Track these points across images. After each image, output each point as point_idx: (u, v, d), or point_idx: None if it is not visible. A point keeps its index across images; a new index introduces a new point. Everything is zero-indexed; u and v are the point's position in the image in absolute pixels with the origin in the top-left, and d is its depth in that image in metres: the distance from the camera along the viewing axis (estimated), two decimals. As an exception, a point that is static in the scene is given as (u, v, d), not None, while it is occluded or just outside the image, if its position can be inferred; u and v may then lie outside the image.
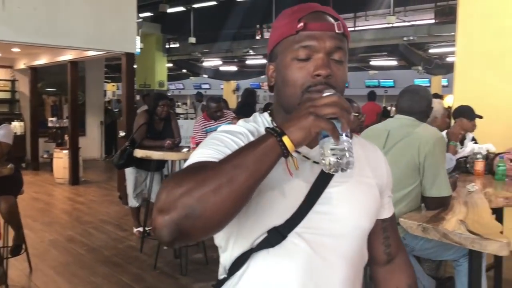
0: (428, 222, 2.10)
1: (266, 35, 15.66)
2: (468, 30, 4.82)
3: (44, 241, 4.71)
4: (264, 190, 0.91)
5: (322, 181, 0.96)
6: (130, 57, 6.39)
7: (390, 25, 11.73)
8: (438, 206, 2.28)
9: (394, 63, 16.08)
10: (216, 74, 19.16)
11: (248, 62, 16.82)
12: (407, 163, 2.26)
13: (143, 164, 4.49)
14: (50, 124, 9.55)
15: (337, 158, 0.79)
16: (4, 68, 9.70)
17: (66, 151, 7.79)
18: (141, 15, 12.16)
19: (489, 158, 3.45)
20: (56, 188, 7.58)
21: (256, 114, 1.06)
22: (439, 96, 8.69)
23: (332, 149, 0.79)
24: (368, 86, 18.89)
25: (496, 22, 4.60)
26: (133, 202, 4.79)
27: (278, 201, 0.92)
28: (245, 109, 6.13)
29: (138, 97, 12.10)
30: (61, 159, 7.84)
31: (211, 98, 5.09)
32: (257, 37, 15.76)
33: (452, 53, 5.15)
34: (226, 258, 0.99)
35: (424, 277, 2.77)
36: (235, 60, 17.02)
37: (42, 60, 8.36)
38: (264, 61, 16.21)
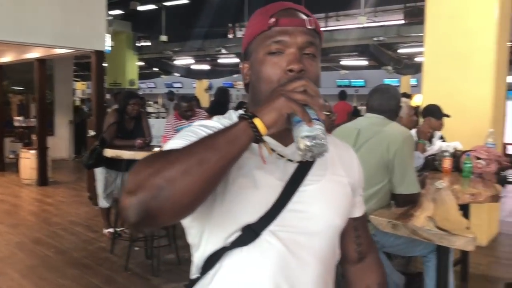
0: (398, 219, 2.14)
1: (239, 33, 15.68)
2: (435, 30, 4.93)
3: (10, 244, 4.57)
4: (237, 187, 0.91)
5: (296, 180, 0.96)
6: (100, 55, 6.27)
7: (361, 26, 11.90)
8: (407, 203, 2.33)
9: (364, 63, 16.33)
10: (188, 72, 19.04)
11: (220, 61, 16.78)
12: (377, 161, 2.29)
13: (114, 164, 4.41)
14: (16, 124, 9.31)
15: (311, 142, 0.80)
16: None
17: (33, 151, 7.59)
18: (111, 12, 11.96)
19: (456, 156, 3.53)
20: (23, 189, 7.38)
21: (231, 111, 1.06)
22: (408, 96, 8.88)
23: (305, 135, 0.80)
24: (340, 86, 19.12)
25: (462, 23, 4.71)
26: (103, 203, 4.71)
27: (252, 198, 0.92)
28: (218, 108, 6.09)
29: (108, 96, 11.93)
30: (28, 159, 7.63)
31: (182, 97, 5.05)
32: (230, 36, 15.75)
33: (421, 53, 5.25)
34: (199, 257, 0.98)
35: (394, 273, 2.81)
36: (208, 58, 16.95)
37: (7, 58, 8.13)
38: (236, 60, 16.23)
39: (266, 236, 0.92)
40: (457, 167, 3.48)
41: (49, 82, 9.47)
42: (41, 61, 7.33)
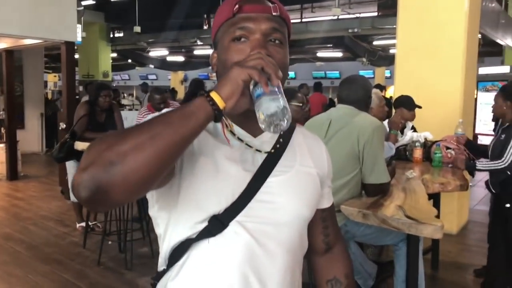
0: (368, 208, 2.16)
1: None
2: (407, 22, 4.98)
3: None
4: (204, 176, 0.90)
5: (265, 170, 0.96)
6: (70, 46, 6.12)
7: (336, 17, 11.96)
8: (378, 193, 2.35)
9: (339, 54, 16.42)
10: (163, 64, 18.83)
11: (196, 52, 16.63)
12: (347, 152, 2.31)
13: (85, 157, 4.33)
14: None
15: (271, 112, 0.79)
16: None
17: (2, 145, 7.40)
18: (83, 3, 11.67)
19: (426, 146, 3.59)
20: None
21: None
22: (382, 87, 8.97)
23: (265, 105, 0.79)
24: (316, 78, 19.17)
25: (432, 15, 4.77)
26: (75, 197, 4.62)
27: (219, 188, 0.91)
28: (192, 99, 6.03)
29: (81, 88, 11.68)
30: (-3, 154, 7.44)
31: (155, 89, 4.98)
32: (205, 27, 15.60)
33: (394, 45, 5.30)
34: (165, 248, 0.97)
35: (367, 262, 2.86)
36: (183, 50, 16.78)
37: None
38: (211, 51, 16.04)
39: (233, 227, 0.91)
40: (428, 157, 3.54)
41: (18, 74, 9.24)
42: (9, 52, 7.12)
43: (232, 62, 0.91)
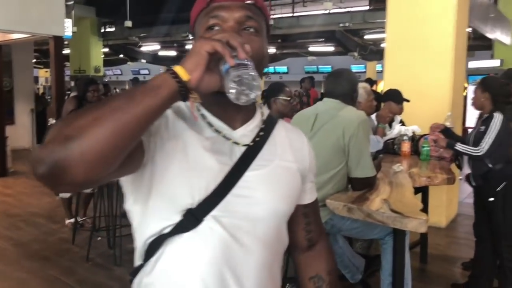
0: (353, 202, 2.16)
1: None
2: (396, 16, 4.98)
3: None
4: (178, 168, 0.88)
5: (242, 164, 0.94)
6: (59, 40, 6.07)
7: (327, 12, 11.92)
8: (364, 187, 2.35)
9: (331, 49, 16.40)
10: (154, 59, 18.69)
11: (188, 47, 16.53)
12: (333, 145, 2.30)
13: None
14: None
15: (237, 82, 0.78)
16: None
17: (-9, 141, 7.34)
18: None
19: (414, 140, 3.60)
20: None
21: None
22: (373, 82, 8.97)
23: (231, 77, 0.78)
24: (308, 72, 19.14)
25: (421, 8, 4.77)
26: (64, 193, 4.59)
27: (193, 181, 0.89)
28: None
29: (73, 83, 11.57)
30: (-14, 150, 7.37)
31: (142, 82, 4.95)
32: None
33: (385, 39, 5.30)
34: (141, 243, 0.95)
35: (354, 256, 2.86)
36: (175, 44, 16.67)
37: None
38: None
39: (208, 222, 0.89)
40: (416, 151, 3.54)
41: (8, 69, 9.15)
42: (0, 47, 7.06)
43: None
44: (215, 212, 0.90)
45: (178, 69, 0.76)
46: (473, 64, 9.55)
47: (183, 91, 0.77)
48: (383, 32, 10.54)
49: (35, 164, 0.69)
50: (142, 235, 0.94)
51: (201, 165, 0.90)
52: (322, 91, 15.39)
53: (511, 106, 3.00)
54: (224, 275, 0.91)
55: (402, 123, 4.12)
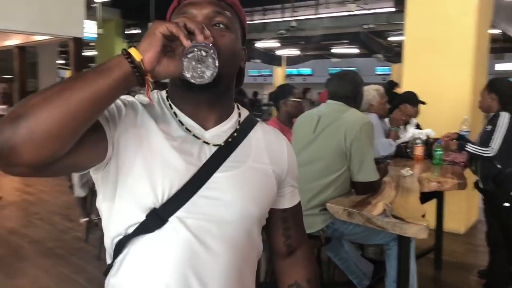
0: (355, 206, 2.11)
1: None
2: (416, 17, 4.87)
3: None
4: (143, 167, 0.87)
5: (211, 165, 0.91)
6: (78, 42, 6.18)
7: (350, 13, 11.80)
8: (367, 191, 2.30)
9: (355, 51, 16.24)
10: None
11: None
12: (335, 148, 2.26)
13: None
14: (0, 112, 9.21)
15: (191, 61, 0.78)
16: None
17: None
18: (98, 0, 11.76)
19: (428, 143, 3.50)
20: (5, 179, 7.28)
21: (155, 91, 1.01)
22: (394, 84, 8.80)
23: (186, 56, 0.78)
24: (332, 74, 19.03)
25: (441, 9, 4.66)
26: (79, 192, 4.65)
27: (156, 179, 0.87)
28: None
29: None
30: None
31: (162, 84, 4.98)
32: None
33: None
34: (108, 242, 0.94)
35: (361, 261, 2.80)
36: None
37: (-12, 45, 8.01)
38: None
39: (172, 223, 0.87)
40: (429, 155, 3.45)
41: (33, 70, 9.37)
42: (21, 48, 7.24)
43: None
44: (180, 213, 0.87)
45: (131, 50, 0.76)
46: (502, 67, 9.27)
47: (137, 73, 0.75)
48: (406, 33, 10.36)
49: None
50: (109, 234, 0.93)
51: (167, 164, 0.88)
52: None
53: None
54: (188, 279, 0.88)
55: (418, 126, 4.02)
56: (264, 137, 1.02)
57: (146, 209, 0.87)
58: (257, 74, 20.56)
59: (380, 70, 19.79)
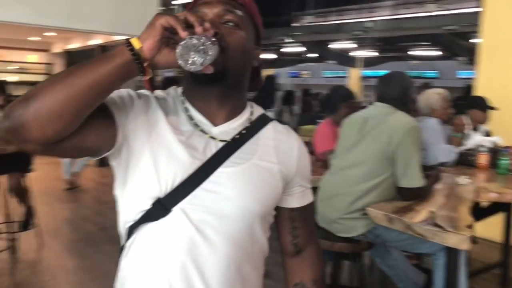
0: (396, 212, 2.04)
1: (304, 22, 15.48)
2: (494, 17, 4.58)
3: (58, 219, 4.91)
4: (152, 158, 0.92)
5: (215, 160, 0.95)
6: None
7: (431, 14, 11.31)
8: (413, 197, 2.21)
9: (436, 53, 15.51)
10: (252, 62, 19.14)
11: (284, 50, 16.70)
12: (378, 152, 2.20)
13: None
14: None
15: (184, 49, 0.82)
16: (41, 52, 10.06)
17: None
18: (177, 2, 12.23)
19: (495, 152, 3.29)
20: (86, 170, 7.80)
21: (173, 87, 1.07)
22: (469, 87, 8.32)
23: (181, 45, 0.83)
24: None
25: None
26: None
27: (161, 171, 0.92)
28: (264, 96, 6.07)
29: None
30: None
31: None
32: (294, 24, 15.62)
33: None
34: (121, 227, 1.01)
35: (411, 270, 2.70)
36: (272, 48, 16.93)
37: (75, 44, 8.64)
38: (302, 48, 16.07)
39: (175, 213, 0.92)
40: (495, 164, 3.24)
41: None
42: (104, 47, 7.70)
43: None
44: (182, 204, 0.92)
45: (133, 40, 0.82)
46: None
47: (137, 61, 0.81)
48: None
49: (2, 119, 0.79)
50: (121, 219, 1.00)
51: (172, 156, 0.92)
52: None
53: None
54: (187, 268, 0.92)
55: (487, 133, 3.79)
56: (274, 136, 1.04)
57: (152, 198, 0.92)
58: (332, 76, 20.33)
59: (463, 74, 18.78)
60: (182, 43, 0.82)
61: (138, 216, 0.94)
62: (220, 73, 0.92)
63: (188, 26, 0.84)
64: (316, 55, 17.18)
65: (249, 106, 1.06)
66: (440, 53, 15.29)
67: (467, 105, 3.77)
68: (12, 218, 3.86)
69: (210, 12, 0.95)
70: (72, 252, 3.96)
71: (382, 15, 12.77)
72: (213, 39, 0.85)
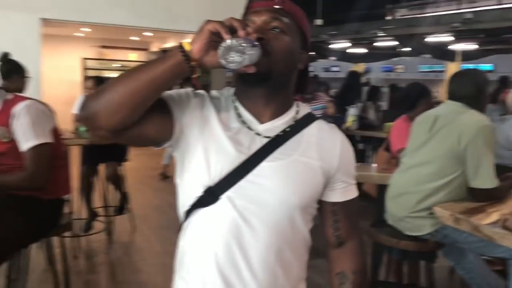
0: (465, 213, 1.98)
1: (397, 15, 14.95)
2: None
3: (149, 205, 5.31)
4: (204, 151, 1.04)
5: (260, 155, 1.05)
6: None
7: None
8: (485, 198, 2.13)
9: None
10: (344, 56, 18.85)
11: (377, 44, 16.26)
12: (448, 152, 2.14)
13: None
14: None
15: (225, 50, 0.92)
16: (141, 51, 10.81)
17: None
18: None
19: None
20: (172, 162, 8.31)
21: (227, 88, 1.19)
22: None
23: (223, 46, 0.92)
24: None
25: None
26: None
27: (211, 163, 1.03)
28: (347, 92, 6.03)
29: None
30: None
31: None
32: (388, 18, 15.14)
33: None
34: (179, 211, 1.14)
35: (489, 274, 2.58)
36: (364, 41, 16.56)
37: (170, 43, 9.18)
38: (395, 42, 15.52)
39: (223, 200, 1.03)
40: None
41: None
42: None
43: None
44: (229, 193, 1.03)
45: (184, 43, 0.94)
46: None
47: (187, 61, 0.93)
48: None
49: (80, 107, 0.98)
50: (180, 204, 1.13)
51: (221, 150, 1.04)
52: None
53: None
54: (232, 249, 1.03)
55: None
56: (317, 134, 1.11)
57: (203, 186, 1.04)
58: (428, 70, 19.32)
59: None
60: (223, 44, 0.92)
61: (192, 202, 1.07)
62: (264, 74, 1.01)
63: (234, 31, 0.94)
64: (411, 49, 16.50)
65: (295, 106, 1.14)
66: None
67: None
68: (108, 203, 4.27)
69: (259, 19, 1.04)
70: (159, 237, 4.27)
71: (485, 5, 11.94)
72: (255, 42, 0.94)
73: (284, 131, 1.08)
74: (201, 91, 1.14)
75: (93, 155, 4.12)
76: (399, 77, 19.59)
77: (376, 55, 18.82)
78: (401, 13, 14.18)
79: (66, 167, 2.51)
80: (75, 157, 3.99)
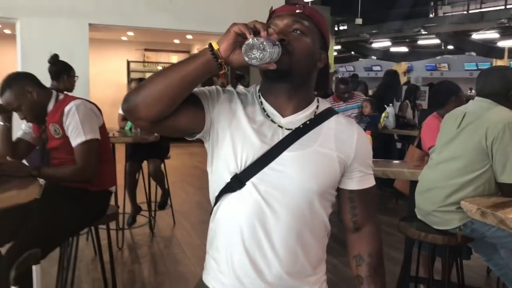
0: (492, 207, 2.01)
1: (440, 12, 14.63)
2: None
3: (191, 202, 5.51)
4: (231, 141, 1.16)
5: (282, 146, 1.16)
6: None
7: None
8: (514, 194, 2.15)
9: None
10: (385, 55, 18.62)
11: (420, 42, 15.98)
12: (475, 147, 2.17)
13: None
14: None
15: (247, 47, 1.03)
16: (182, 53, 11.13)
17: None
18: (309, -1, 12.46)
19: None
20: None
21: (253, 85, 1.31)
22: None
23: (245, 43, 1.03)
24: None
25: None
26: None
27: (238, 152, 1.15)
28: (386, 91, 6.01)
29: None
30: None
31: (341, 79, 5.20)
32: (431, 15, 14.84)
33: None
34: (210, 196, 1.26)
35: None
36: (406, 40, 16.30)
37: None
38: (437, 41, 15.16)
39: (248, 186, 1.15)
40: None
41: (245, 67, 10.52)
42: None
43: None
44: (254, 179, 1.14)
45: (213, 43, 1.06)
46: None
47: (216, 59, 1.05)
48: None
49: (123, 102, 1.12)
50: (211, 190, 1.25)
51: (246, 141, 1.16)
52: None
53: None
54: (257, 230, 1.15)
55: None
56: (336, 127, 1.21)
57: (231, 173, 1.16)
58: (474, 68, 18.75)
59: None
60: (246, 42, 1.03)
61: (221, 187, 1.19)
62: (284, 71, 1.13)
63: (257, 33, 1.06)
64: (455, 47, 16.09)
65: (316, 101, 1.25)
66: None
67: None
68: (151, 199, 4.49)
69: (281, 23, 1.16)
70: (198, 232, 4.44)
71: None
72: (276, 42, 1.05)
73: (304, 124, 1.19)
74: (230, 88, 1.27)
75: (137, 153, 4.34)
76: (442, 76, 19.16)
77: (419, 53, 18.47)
78: (445, 10, 13.86)
79: (112, 162, 2.71)
80: (120, 154, 4.22)
